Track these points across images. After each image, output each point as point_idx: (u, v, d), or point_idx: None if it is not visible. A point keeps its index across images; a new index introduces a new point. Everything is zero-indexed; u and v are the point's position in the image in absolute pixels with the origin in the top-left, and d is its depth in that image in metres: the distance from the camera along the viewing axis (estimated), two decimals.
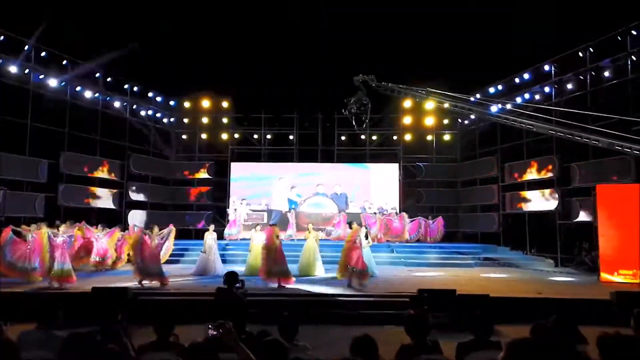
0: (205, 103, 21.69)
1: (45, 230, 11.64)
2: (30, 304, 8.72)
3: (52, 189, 16.70)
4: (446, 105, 17.07)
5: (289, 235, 18.40)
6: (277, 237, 11.81)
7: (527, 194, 17.78)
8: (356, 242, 11.70)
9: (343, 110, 15.39)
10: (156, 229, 12.31)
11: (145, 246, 11.42)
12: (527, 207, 17.70)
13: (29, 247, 11.65)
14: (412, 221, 18.85)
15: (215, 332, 2.81)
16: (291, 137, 22.35)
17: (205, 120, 22.02)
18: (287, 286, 11.21)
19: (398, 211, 20.40)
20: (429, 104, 19.36)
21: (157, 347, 3.84)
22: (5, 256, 11.50)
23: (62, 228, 12.43)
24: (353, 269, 11.33)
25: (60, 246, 11.36)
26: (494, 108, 16.63)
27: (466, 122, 21.30)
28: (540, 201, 17.15)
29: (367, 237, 13.24)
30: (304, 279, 12.41)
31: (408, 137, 21.84)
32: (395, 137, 22.17)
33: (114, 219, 17.65)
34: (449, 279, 12.67)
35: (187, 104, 21.89)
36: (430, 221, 19.03)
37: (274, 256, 11.43)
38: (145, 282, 11.16)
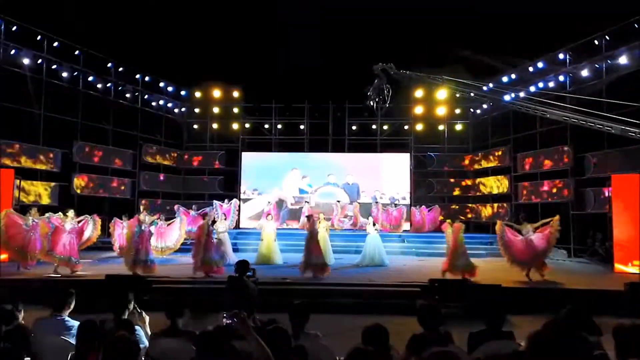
0: (216, 93, 21.70)
1: (204, 222, 11.45)
2: (45, 290, 8.84)
3: (66, 178, 16.90)
4: (458, 95, 16.99)
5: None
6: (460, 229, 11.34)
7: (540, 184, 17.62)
8: (517, 236, 11.35)
9: (368, 102, 15.75)
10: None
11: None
12: (540, 197, 17.55)
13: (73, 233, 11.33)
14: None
15: (229, 322, 2.82)
16: (302, 126, 22.32)
17: (216, 110, 22.04)
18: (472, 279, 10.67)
19: (409, 202, 20.47)
20: (441, 94, 19.20)
21: (169, 333, 3.88)
22: (136, 254, 11.07)
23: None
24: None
25: (211, 238, 11.30)
26: (507, 97, 16.45)
27: (478, 111, 21.07)
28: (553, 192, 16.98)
29: (374, 225, 13.49)
30: None
31: (419, 126, 21.68)
32: (406, 127, 22.02)
33: (126, 208, 17.80)
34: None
35: (198, 94, 21.92)
36: (426, 210, 18.99)
37: (460, 250, 11.08)
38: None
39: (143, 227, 11.32)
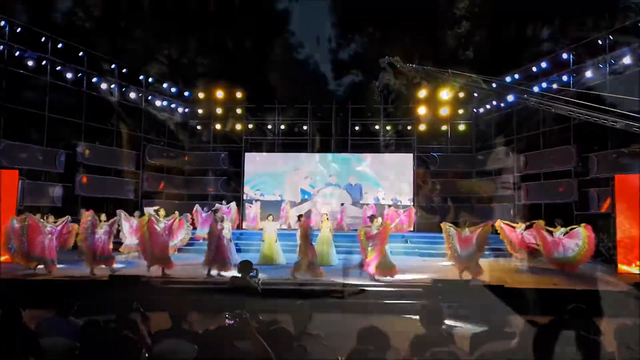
0: (219, 94, 21.74)
1: (384, 222, 11.58)
2: (49, 290, 8.87)
3: (69, 179, 16.95)
4: (462, 95, 16.94)
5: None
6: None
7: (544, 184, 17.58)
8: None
9: (375, 96, 15.91)
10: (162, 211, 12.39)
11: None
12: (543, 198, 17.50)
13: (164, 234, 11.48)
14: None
15: (232, 322, 2.83)
16: (305, 127, 22.33)
17: (219, 110, 22.09)
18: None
19: (413, 202, 20.48)
20: (444, 94, 19.12)
21: (172, 333, 3.89)
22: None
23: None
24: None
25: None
26: (510, 98, 16.43)
27: (481, 110, 21.03)
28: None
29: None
30: None
31: (422, 127, 21.65)
32: (409, 127, 22.00)
33: (129, 209, 17.82)
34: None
35: (201, 95, 21.97)
36: (401, 211, 18.95)
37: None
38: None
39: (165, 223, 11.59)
